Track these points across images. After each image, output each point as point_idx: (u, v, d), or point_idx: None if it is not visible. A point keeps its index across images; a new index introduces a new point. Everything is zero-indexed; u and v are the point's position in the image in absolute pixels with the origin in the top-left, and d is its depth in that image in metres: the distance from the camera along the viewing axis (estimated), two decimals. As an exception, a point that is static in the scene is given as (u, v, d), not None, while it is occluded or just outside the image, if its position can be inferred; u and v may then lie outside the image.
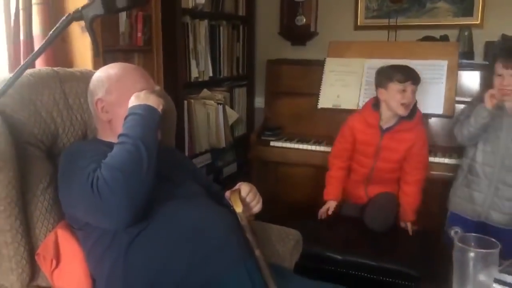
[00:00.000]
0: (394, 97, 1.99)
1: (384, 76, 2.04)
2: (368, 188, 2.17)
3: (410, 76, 1.99)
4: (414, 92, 2.01)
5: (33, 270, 1.28)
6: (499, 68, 1.87)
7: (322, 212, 2.18)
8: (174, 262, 1.18)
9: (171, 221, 1.22)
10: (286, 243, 1.62)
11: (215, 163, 3.00)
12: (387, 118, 2.06)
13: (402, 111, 1.99)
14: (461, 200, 2.03)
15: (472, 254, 1.04)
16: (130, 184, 1.14)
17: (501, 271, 1.19)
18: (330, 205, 2.18)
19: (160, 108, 1.29)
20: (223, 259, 1.20)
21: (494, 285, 1.15)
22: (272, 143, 2.74)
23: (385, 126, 2.07)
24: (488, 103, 1.86)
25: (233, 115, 3.06)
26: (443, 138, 2.52)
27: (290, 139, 2.72)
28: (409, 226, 2.08)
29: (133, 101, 1.27)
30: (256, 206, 1.39)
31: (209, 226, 1.24)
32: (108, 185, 1.12)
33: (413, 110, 2.05)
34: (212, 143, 2.87)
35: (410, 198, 2.11)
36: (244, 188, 1.36)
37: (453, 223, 1.97)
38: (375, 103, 2.10)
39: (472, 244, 1.06)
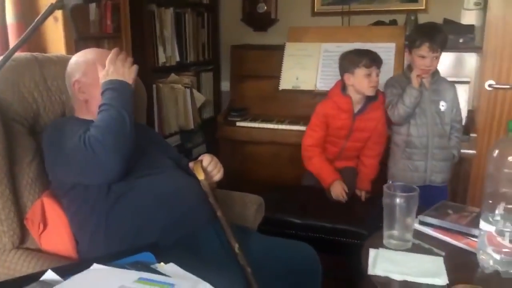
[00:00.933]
0: (361, 82, 2.11)
1: (350, 62, 2.14)
2: (335, 164, 2.32)
3: (375, 61, 2.12)
4: (378, 75, 2.14)
5: (23, 233, 1.40)
6: (424, 51, 2.03)
7: (338, 194, 2.19)
8: (150, 224, 1.34)
9: (147, 189, 1.38)
10: (249, 207, 1.80)
11: (184, 144, 3.15)
12: (356, 101, 2.19)
13: (370, 92, 2.13)
14: (404, 172, 2.18)
15: (397, 199, 1.26)
16: (118, 140, 1.30)
17: (424, 215, 1.44)
18: (339, 184, 2.21)
19: (132, 79, 1.44)
20: (193, 220, 1.39)
21: (416, 225, 1.39)
22: (238, 124, 2.90)
23: (356, 109, 2.20)
24: (416, 83, 2.05)
25: (200, 98, 3.21)
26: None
27: (254, 119, 2.88)
28: (363, 194, 2.28)
29: (104, 76, 1.41)
30: (217, 175, 1.55)
31: (180, 193, 1.41)
32: (100, 142, 1.28)
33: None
34: (181, 125, 3.02)
35: (368, 170, 2.29)
36: (206, 158, 1.52)
37: None
38: (343, 88, 2.20)
39: (398, 190, 1.28)
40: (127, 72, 1.42)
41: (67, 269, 1.04)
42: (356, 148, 2.30)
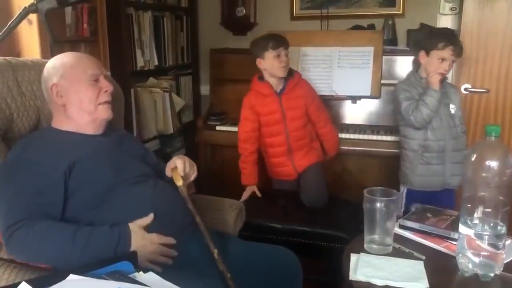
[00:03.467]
0: (272, 64, 2.20)
1: (258, 47, 2.24)
2: (295, 162, 2.34)
3: (282, 42, 2.21)
4: (287, 55, 2.22)
5: None
6: (447, 53, 2.04)
7: (244, 197, 2.32)
8: None
9: (125, 200, 1.37)
10: (230, 212, 1.79)
11: (164, 149, 3.11)
12: (275, 85, 2.28)
13: (282, 73, 2.22)
14: (423, 178, 2.16)
15: (377, 203, 1.27)
16: (41, 259, 1.26)
17: (404, 218, 1.45)
18: (251, 190, 2.34)
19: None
20: (172, 227, 1.38)
21: (397, 229, 1.40)
22: (217, 128, 2.89)
23: (278, 89, 2.29)
24: (437, 85, 2.05)
25: (179, 102, 3.19)
26: (370, 117, 2.78)
27: (234, 123, 2.84)
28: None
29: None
30: (193, 175, 1.55)
31: (158, 202, 1.40)
32: (19, 246, 1.24)
33: (290, 70, 2.31)
34: (160, 129, 2.99)
35: (328, 136, 2.41)
36: (179, 163, 1.50)
37: (411, 197, 2.19)
38: (259, 76, 2.32)
39: (378, 195, 1.29)
40: (145, 253, 1.28)
41: (42, 281, 1.01)
42: (302, 134, 2.34)
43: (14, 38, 1.92)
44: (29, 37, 1.92)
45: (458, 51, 2.07)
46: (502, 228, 1.13)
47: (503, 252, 1.15)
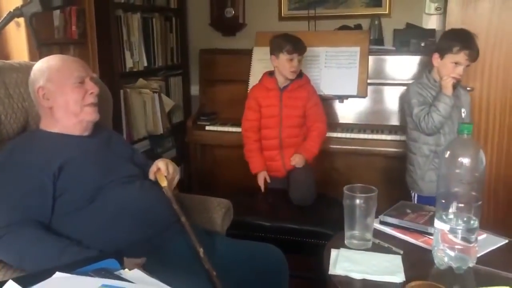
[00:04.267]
0: (284, 65, 2.30)
1: (276, 46, 2.32)
2: (284, 159, 2.39)
3: (297, 49, 2.28)
4: (300, 61, 2.32)
5: None
6: (461, 58, 1.95)
7: (261, 183, 2.38)
8: (115, 232, 1.36)
9: (112, 200, 1.39)
10: (217, 211, 1.81)
11: (154, 149, 3.14)
12: (281, 81, 2.37)
13: (291, 76, 2.32)
14: (433, 183, 2.02)
15: (357, 200, 1.31)
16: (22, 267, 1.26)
17: (385, 214, 1.49)
18: (263, 176, 2.39)
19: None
20: (158, 227, 1.42)
21: (377, 225, 1.44)
22: (207, 128, 2.92)
23: (282, 86, 2.37)
24: (450, 90, 1.97)
25: (169, 102, 3.21)
26: (357, 116, 2.83)
27: (224, 123, 2.91)
28: (297, 156, 2.33)
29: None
30: (176, 177, 1.58)
31: (144, 202, 1.43)
32: (6, 251, 1.26)
33: (300, 72, 2.40)
34: (150, 130, 3.01)
35: (309, 141, 2.39)
36: (162, 165, 1.53)
37: (421, 202, 2.02)
38: (270, 72, 2.41)
39: (357, 192, 1.32)
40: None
41: (29, 279, 1.03)
42: (294, 132, 2.39)
43: (2, 41, 1.93)
44: (17, 39, 1.93)
45: (474, 55, 1.98)
46: (475, 223, 1.17)
47: (475, 245, 1.20)
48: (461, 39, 1.98)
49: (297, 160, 2.33)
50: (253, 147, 2.42)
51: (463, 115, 2.08)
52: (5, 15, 1.16)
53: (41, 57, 1.57)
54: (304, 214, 2.22)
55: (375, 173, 2.76)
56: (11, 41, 1.96)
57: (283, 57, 2.28)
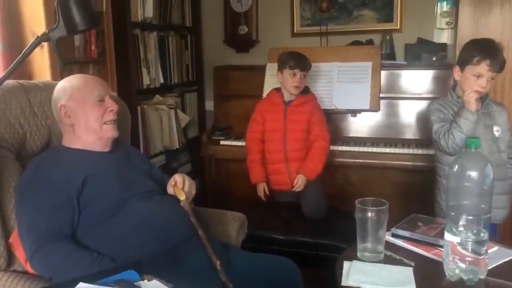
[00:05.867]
0: (287, 80, 2.37)
1: (281, 62, 2.39)
2: (291, 173, 2.40)
3: (299, 65, 2.35)
4: (303, 77, 2.37)
5: (10, 256, 1.45)
6: (483, 69, 1.80)
7: (261, 195, 2.45)
8: (135, 245, 1.41)
9: (131, 214, 1.44)
10: (233, 224, 1.86)
11: (170, 163, 3.20)
12: (286, 96, 2.43)
13: (294, 91, 2.38)
14: None
15: (369, 213, 1.34)
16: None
17: (396, 227, 1.51)
18: (262, 186, 2.46)
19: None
20: (176, 240, 1.46)
21: (389, 237, 1.46)
22: (222, 142, 2.97)
23: (287, 100, 2.43)
24: (473, 105, 1.82)
25: (184, 118, 3.28)
26: (370, 130, 2.86)
27: (238, 138, 2.95)
28: (301, 178, 2.33)
29: None
30: (193, 191, 1.61)
31: (163, 216, 1.48)
32: (42, 267, 1.33)
33: (307, 89, 2.47)
34: (166, 145, 3.08)
35: (312, 159, 2.38)
36: (179, 180, 1.58)
37: None
38: (278, 88, 2.48)
39: (369, 205, 1.36)
40: None
41: (54, 288, 1.09)
42: (299, 146, 2.42)
43: (27, 61, 2.01)
44: (41, 60, 2.02)
45: (497, 65, 1.81)
46: (485, 235, 1.20)
47: (485, 257, 1.21)
48: (481, 49, 1.83)
49: (299, 183, 2.34)
50: (255, 158, 2.48)
51: (496, 134, 1.91)
52: (31, 38, 1.22)
53: (63, 76, 1.64)
54: (317, 227, 2.25)
55: (388, 186, 2.77)
56: (34, 61, 2.04)
57: (286, 72, 2.36)
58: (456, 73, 1.91)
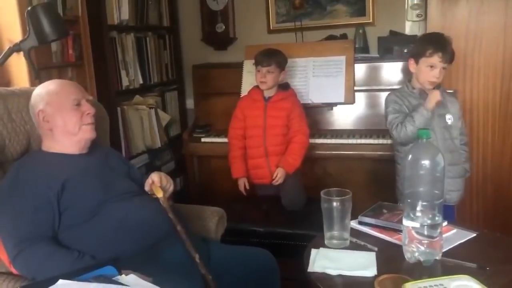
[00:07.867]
0: (256, 77, 2.51)
1: (255, 60, 2.51)
2: (271, 167, 2.49)
3: (259, 61, 2.47)
4: (269, 72, 2.46)
5: None
6: (435, 60, 1.93)
7: (242, 189, 2.55)
8: (114, 242, 1.47)
9: (113, 217, 1.50)
10: (212, 218, 1.92)
11: (153, 162, 3.25)
12: (266, 92, 2.53)
13: (261, 86, 2.50)
14: None
15: (334, 202, 1.42)
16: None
17: (362, 215, 1.60)
18: (243, 181, 2.55)
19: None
20: (155, 236, 1.52)
21: (356, 225, 1.55)
22: (203, 139, 3.03)
23: (267, 96, 2.52)
24: (433, 107, 1.94)
25: (165, 117, 3.32)
26: (346, 122, 2.94)
27: (218, 135, 3.01)
28: (280, 172, 2.43)
29: None
30: (170, 187, 1.68)
31: (141, 214, 1.54)
32: (25, 268, 1.38)
33: (286, 85, 2.60)
34: (148, 144, 3.12)
35: (291, 154, 2.47)
36: (155, 178, 1.63)
37: None
38: (257, 85, 2.56)
39: (334, 195, 1.43)
40: None
41: (35, 287, 1.15)
42: (278, 141, 2.50)
43: (4, 69, 2.06)
44: (18, 66, 2.05)
45: (448, 57, 1.96)
46: (439, 219, 1.28)
47: (440, 239, 1.30)
48: (433, 42, 1.97)
49: (279, 176, 2.43)
50: (237, 153, 2.57)
51: (449, 122, 2.04)
52: (6, 43, 1.27)
53: (40, 81, 1.69)
54: (295, 218, 2.32)
55: (365, 175, 2.86)
56: (12, 69, 2.08)
57: (257, 69, 2.49)
58: (412, 65, 2.04)
